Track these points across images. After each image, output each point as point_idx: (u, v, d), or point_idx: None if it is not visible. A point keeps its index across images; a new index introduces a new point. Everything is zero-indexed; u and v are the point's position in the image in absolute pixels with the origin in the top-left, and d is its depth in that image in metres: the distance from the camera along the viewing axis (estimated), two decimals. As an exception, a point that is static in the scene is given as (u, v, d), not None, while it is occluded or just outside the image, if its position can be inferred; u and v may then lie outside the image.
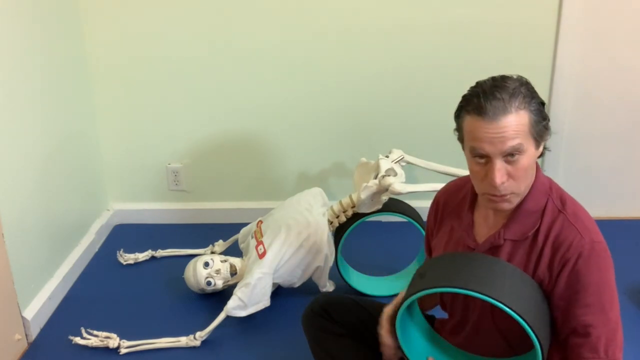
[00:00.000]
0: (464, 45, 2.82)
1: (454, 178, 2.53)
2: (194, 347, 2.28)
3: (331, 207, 2.51)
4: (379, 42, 2.84)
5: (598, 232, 1.42)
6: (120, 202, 3.17)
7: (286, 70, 2.90)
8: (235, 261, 2.48)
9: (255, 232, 2.50)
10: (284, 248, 2.35)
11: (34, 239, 2.44)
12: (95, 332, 2.31)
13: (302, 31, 2.83)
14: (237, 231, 2.69)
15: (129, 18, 2.83)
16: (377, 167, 2.43)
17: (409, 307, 1.53)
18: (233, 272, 2.45)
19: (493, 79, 1.38)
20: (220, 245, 2.80)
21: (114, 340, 2.27)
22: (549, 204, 1.44)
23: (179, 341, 2.28)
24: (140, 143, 3.05)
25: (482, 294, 1.32)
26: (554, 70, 2.84)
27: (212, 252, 2.78)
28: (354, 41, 2.84)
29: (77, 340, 2.28)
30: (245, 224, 2.68)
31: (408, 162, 2.57)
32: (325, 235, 2.39)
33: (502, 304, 1.31)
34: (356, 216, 2.48)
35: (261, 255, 2.35)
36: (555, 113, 2.90)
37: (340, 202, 2.49)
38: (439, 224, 1.67)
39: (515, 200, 1.42)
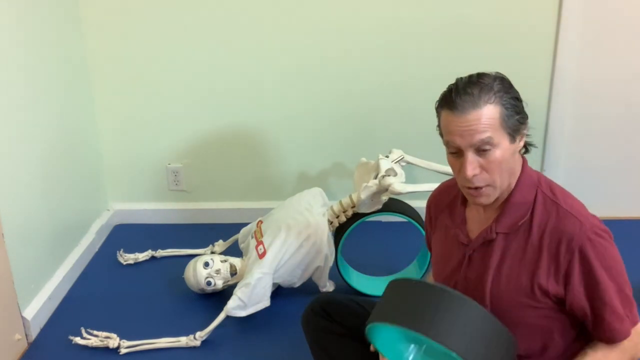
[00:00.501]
0: (464, 45, 2.81)
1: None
2: (194, 347, 2.28)
3: (331, 207, 2.51)
4: (380, 43, 2.84)
5: (592, 215, 1.45)
6: (120, 202, 3.17)
7: (286, 70, 2.90)
8: (235, 261, 2.48)
9: (255, 232, 2.50)
10: (284, 248, 2.35)
11: (34, 239, 2.44)
12: (95, 332, 2.31)
13: (303, 32, 2.83)
14: (237, 231, 2.69)
15: (129, 18, 2.83)
16: (377, 167, 2.43)
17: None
18: (233, 272, 2.45)
19: (470, 76, 1.43)
20: (220, 245, 2.79)
21: (114, 340, 2.27)
22: (538, 196, 1.45)
23: (179, 341, 2.28)
24: (140, 143, 3.05)
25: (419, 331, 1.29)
26: (554, 71, 2.84)
27: (212, 252, 2.78)
28: (355, 42, 2.84)
29: (77, 340, 2.28)
30: (245, 224, 2.68)
31: (408, 162, 2.57)
32: (325, 235, 2.39)
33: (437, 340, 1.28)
34: (356, 216, 2.48)
35: (261, 255, 2.35)
36: (555, 113, 2.90)
37: (340, 202, 2.48)
38: (434, 225, 1.69)
39: (494, 194, 1.44)
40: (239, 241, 2.67)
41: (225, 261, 2.46)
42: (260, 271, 2.30)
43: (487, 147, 1.37)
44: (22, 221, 2.34)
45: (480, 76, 1.41)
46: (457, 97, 1.38)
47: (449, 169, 2.55)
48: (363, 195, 2.38)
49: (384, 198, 2.43)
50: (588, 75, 2.87)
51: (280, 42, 2.85)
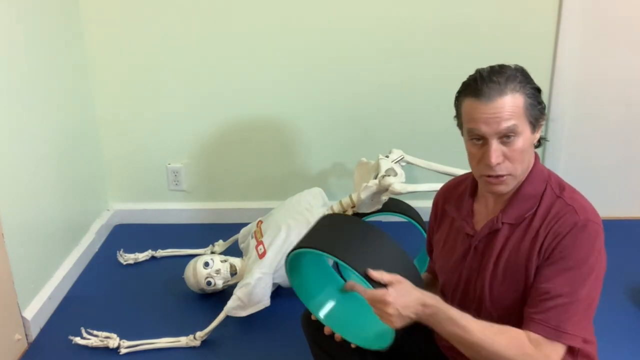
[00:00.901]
0: (464, 45, 2.81)
1: (453, 178, 2.53)
2: (194, 347, 2.28)
3: (331, 207, 2.51)
4: (379, 43, 2.84)
5: (596, 214, 1.44)
6: (120, 202, 3.17)
7: (286, 71, 2.90)
8: (235, 261, 2.48)
9: (255, 232, 2.50)
10: (284, 248, 2.35)
11: (34, 239, 2.44)
12: (95, 332, 2.31)
13: (303, 33, 2.83)
14: (237, 231, 2.69)
15: (129, 19, 2.83)
16: (377, 167, 2.43)
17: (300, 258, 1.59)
18: (233, 272, 2.45)
19: (491, 66, 1.44)
20: (220, 245, 2.80)
21: (114, 340, 2.27)
22: (547, 190, 1.46)
23: (179, 341, 2.28)
24: (140, 143, 3.05)
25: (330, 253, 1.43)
26: (554, 71, 2.84)
27: (212, 252, 2.78)
28: (354, 42, 2.84)
29: (77, 340, 2.28)
30: (245, 224, 2.68)
31: (408, 162, 2.57)
32: (325, 235, 2.39)
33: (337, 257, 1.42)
34: (356, 216, 2.48)
35: (261, 255, 2.35)
36: (555, 113, 2.90)
37: (340, 202, 2.48)
38: (439, 220, 1.69)
39: (512, 183, 1.45)
40: (239, 241, 2.67)
41: (225, 261, 2.46)
42: (260, 271, 2.30)
43: (512, 134, 1.39)
44: (22, 221, 2.34)
45: (501, 67, 1.43)
46: (482, 84, 1.38)
47: (448, 169, 2.57)
48: (363, 195, 2.38)
49: (384, 198, 2.43)
50: (588, 76, 2.87)
51: (280, 44, 2.85)
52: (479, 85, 1.39)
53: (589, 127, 2.96)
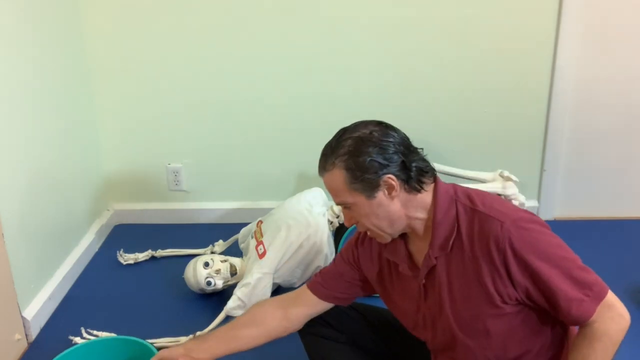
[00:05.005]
0: (465, 46, 2.81)
1: (453, 178, 2.54)
2: (194, 347, 2.27)
3: (331, 207, 2.51)
4: (379, 43, 2.84)
5: (515, 209, 1.44)
6: (120, 202, 3.17)
7: (286, 70, 2.90)
8: (235, 261, 2.48)
9: (255, 232, 2.50)
10: (284, 248, 2.35)
11: (34, 239, 2.44)
12: (95, 332, 2.31)
13: (302, 33, 2.83)
14: (237, 231, 2.69)
15: (129, 18, 2.83)
16: (377, 167, 2.43)
17: None
18: (233, 272, 2.45)
19: (337, 133, 1.48)
20: (220, 245, 2.79)
21: (114, 340, 2.27)
22: (459, 208, 1.45)
23: (179, 341, 2.28)
24: (140, 143, 3.05)
25: None
26: (554, 71, 2.84)
27: (212, 252, 2.78)
28: (354, 41, 2.84)
29: (77, 340, 2.28)
30: (245, 224, 2.68)
31: (408, 162, 2.56)
32: (325, 235, 2.39)
33: None
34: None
35: (261, 255, 2.35)
36: (555, 113, 2.90)
37: (340, 202, 2.48)
38: (376, 263, 1.65)
39: (387, 235, 1.50)
40: (239, 241, 2.67)
41: (225, 261, 2.46)
42: (260, 271, 2.30)
43: (347, 205, 1.46)
44: (22, 221, 2.34)
45: (341, 134, 1.46)
46: (320, 160, 1.48)
47: (448, 169, 2.57)
48: (363, 195, 2.38)
49: (384, 198, 2.43)
50: (588, 76, 2.87)
51: (281, 43, 2.85)
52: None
53: (588, 127, 2.96)
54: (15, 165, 2.31)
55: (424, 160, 1.48)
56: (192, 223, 3.16)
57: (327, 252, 2.40)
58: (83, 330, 2.32)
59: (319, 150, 1.50)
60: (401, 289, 1.60)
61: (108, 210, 3.15)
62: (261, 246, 2.39)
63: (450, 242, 1.44)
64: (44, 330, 2.40)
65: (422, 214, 1.47)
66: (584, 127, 2.96)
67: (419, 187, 1.45)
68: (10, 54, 2.28)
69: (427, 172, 1.46)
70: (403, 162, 1.42)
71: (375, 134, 1.42)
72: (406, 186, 1.43)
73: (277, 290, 2.49)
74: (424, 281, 1.51)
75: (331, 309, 1.76)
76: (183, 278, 2.52)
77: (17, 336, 2.27)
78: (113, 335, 2.28)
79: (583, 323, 1.38)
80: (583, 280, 1.37)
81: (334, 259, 1.75)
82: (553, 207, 3.06)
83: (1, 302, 2.18)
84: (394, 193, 1.43)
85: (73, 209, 2.79)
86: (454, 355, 1.54)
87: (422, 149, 1.50)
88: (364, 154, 1.40)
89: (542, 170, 3.01)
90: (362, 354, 1.78)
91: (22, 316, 2.31)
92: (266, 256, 2.34)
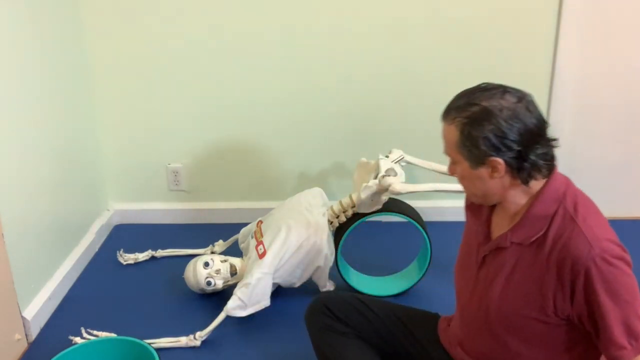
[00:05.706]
0: (464, 45, 2.82)
1: (453, 178, 2.53)
2: (194, 347, 2.27)
3: (331, 207, 2.51)
4: (379, 43, 2.84)
5: (610, 237, 1.40)
6: (120, 202, 3.17)
7: (286, 70, 2.90)
8: (235, 261, 2.48)
9: (255, 232, 2.50)
10: (284, 248, 2.35)
11: (34, 239, 2.44)
12: (95, 332, 2.31)
13: (302, 32, 2.83)
14: (237, 231, 2.69)
15: (129, 18, 2.83)
16: (377, 167, 2.43)
17: None
18: (233, 272, 2.45)
19: (477, 86, 1.46)
20: (220, 245, 2.79)
21: (114, 340, 2.27)
22: (559, 211, 1.41)
23: (179, 341, 2.28)
24: (140, 143, 3.05)
25: None
26: (554, 71, 2.84)
27: (212, 252, 2.78)
28: (354, 41, 2.84)
29: (77, 340, 2.28)
30: (245, 224, 2.68)
31: (408, 162, 2.57)
32: (325, 235, 2.39)
33: None
34: (356, 216, 2.48)
35: (261, 255, 2.35)
36: (556, 113, 2.90)
37: (340, 202, 2.48)
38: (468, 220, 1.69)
39: (483, 200, 1.49)
40: (239, 241, 2.67)
41: (225, 261, 2.46)
42: (260, 271, 2.30)
43: (452, 159, 1.47)
44: (22, 221, 2.34)
45: (476, 94, 1.42)
46: (450, 102, 1.45)
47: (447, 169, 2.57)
48: (363, 195, 2.38)
49: (384, 198, 2.43)
50: (588, 75, 2.87)
51: (281, 43, 2.85)
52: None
53: (588, 127, 2.96)
54: (16, 165, 2.31)
55: (547, 155, 1.44)
56: (192, 223, 3.16)
57: (327, 252, 2.40)
58: (83, 330, 2.32)
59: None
60: (467, 242, 1.61)
61: (108, 210, 3.15)
62: (261, 246, 2.38)
63: (533, 238, 1.42)
64: (44, 330, 2.40)
65: (521, 200, 1.45)
66: (584, 127, 2.96)
67: (527, 180, 1.42)
68: (10, 54, 2.28)
69: (543, 169, 1.43)
70: (520, 152, 1.38)
71: (506, 112, 1.36)
72: (514, 174, 1.41)
73: (277, 290, 2.49)
74: (487, 253, 1.51)
75: (339, 302, 1.77)
76: (183, 278, 2.52)
77: (17, 336, 2.27)
78: (113, 335, 2.28)
79: None
80: (635, 329, 1.36)
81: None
82: (553, 207, 3.06)
83: (1, 302, 2.18)
84: (496, 175, 1.40)
85: (73, 208, 2.79)
86: (481, 341, 1.55)
87: (556, 139, 1.46)
88: (481, 129, 1.36)
89: (542, 170, 3.01)
90: (368, 347, 1.78)
91: (22, 316, 2.31)
92: (266, 256, 2.34)
